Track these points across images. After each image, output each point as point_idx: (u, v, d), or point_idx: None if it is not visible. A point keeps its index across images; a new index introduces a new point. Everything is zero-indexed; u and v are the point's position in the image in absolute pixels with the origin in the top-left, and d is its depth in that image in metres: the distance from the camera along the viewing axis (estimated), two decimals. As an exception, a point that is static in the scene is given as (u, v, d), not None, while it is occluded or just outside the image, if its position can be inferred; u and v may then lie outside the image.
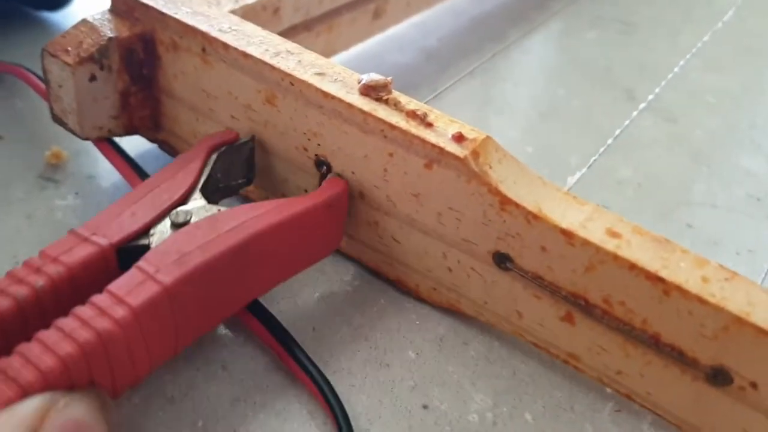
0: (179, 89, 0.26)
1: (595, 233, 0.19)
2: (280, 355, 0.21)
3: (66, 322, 0.17)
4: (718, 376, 0.18)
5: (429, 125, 0.21)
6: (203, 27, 0.24)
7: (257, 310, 0.22)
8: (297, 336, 0.21)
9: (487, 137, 0.21)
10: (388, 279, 0.24)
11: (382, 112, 0.21)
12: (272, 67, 0.23)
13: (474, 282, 0.22)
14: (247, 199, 0.27)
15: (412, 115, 0.21)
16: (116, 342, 0.17)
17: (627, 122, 0.36)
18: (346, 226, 0.24)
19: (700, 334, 0.18)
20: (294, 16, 0.31)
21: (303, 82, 0.22)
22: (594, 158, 0.32)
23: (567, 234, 0.19)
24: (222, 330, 0.23)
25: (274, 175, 0.25)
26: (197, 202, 0.21)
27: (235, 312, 0.21)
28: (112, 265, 0.19)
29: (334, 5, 0.33)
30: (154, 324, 0.18)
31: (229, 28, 0.24)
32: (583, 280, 0.19)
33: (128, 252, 0.20)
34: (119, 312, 0.17)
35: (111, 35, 0.25)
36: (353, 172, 0.23)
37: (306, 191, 0.24)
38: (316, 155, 0.23)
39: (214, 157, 0.23)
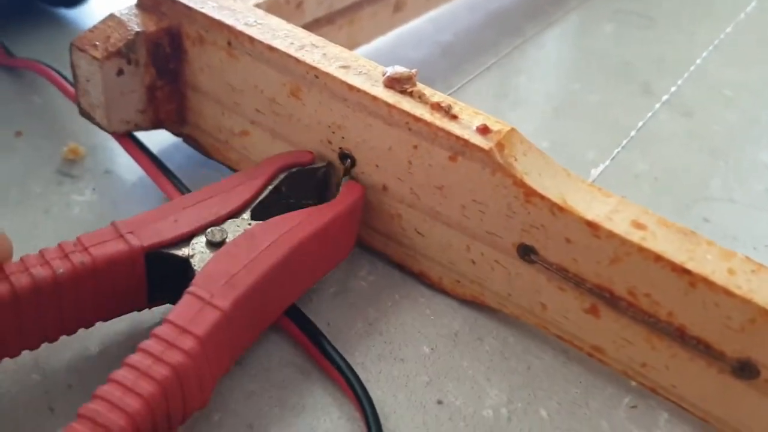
0: (205, 83, 0.26)
1: (620, 225, 0.19)
2: (306, 347, 0.21)
3: (137, 359, 0.17)
4: (745, 369, 0.18)
5: (453, 117, 0.21)
6: (229, 21, 0.24)
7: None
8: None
9: (512, 129, 0.21)
10: (411, 272, 0.25)
11: (406, 104, 0.21)
12: (297, 60, 0.23)
13: (498, 274, 0.22)
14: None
15: (436, 107, 0.21)
16: (188, 373, 0.17)
17: (644, 117, 0.36)
18: (369, 219, 0.24)
19: (726, 326, 0.18)
20: (317, 10, 0.31)
21: (327, 74, 0.22)
22: (613, 154, 0.32)
23: (592, 226, 0.19)
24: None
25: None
26: (234, 220, 0.21)
27: (275, 320, 0.21)
28: (138, 266, 0.20)
29: (355, -1, 0.33)
30: (216, 348, 0.18)
31: (255, 21, 0.25)
32: (608, 272, 0.20)
33: (160, 258, 0.20)
34: (187, 343, 0.17)
35: (138, 30, 0.25)
36: (377, 165, 0.23)
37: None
38: (340, 148, 0.24)
39: (282, 176, 0.23)
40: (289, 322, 0.22)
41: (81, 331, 0.21)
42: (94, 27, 0.26)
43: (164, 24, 0.26)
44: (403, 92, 0.22)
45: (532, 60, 0.40)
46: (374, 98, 0.22)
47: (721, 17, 0.46)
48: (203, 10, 0.25)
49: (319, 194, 0.24)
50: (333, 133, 0.23)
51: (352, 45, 0.34)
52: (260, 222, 0.21)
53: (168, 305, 0.21)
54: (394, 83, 0.22)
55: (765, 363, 0.18)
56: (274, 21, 0.25)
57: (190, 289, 0.18)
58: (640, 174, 0.31)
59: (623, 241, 0.19)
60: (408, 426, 0.20)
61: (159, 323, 0.18)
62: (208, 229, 0.20)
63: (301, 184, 0.23)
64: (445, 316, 0.24)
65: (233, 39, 0.24)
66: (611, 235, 0.19)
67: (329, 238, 0.22)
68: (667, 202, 0.30)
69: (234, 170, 0.28)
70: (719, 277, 0.18)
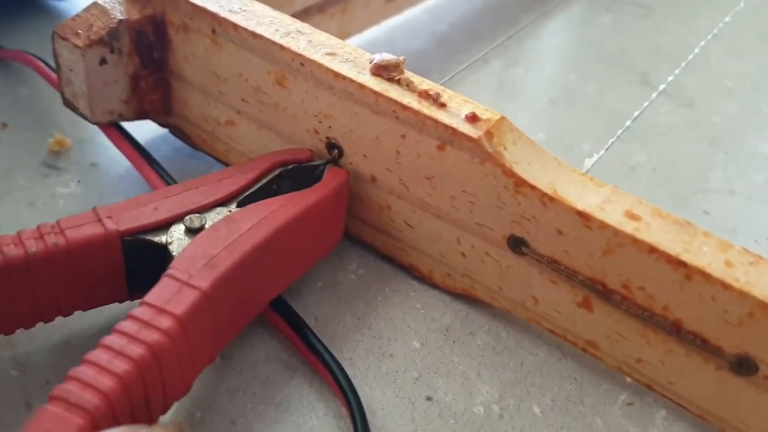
0: (189, 72, 0.26)
1: (612, 215, 0.18)
2: (292, 341, 0.21)
3: (112, 339, 0.16)
4: (743, 365, 0.18)
5: (442, 105, 0.21)
6: (213, 8, 0.24)
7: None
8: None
9: (502, 117, 0.20)
10: (401, 265, 0.24)
11: (393, 92, 0.21)
12: (282, 47, 0.22)
13: (488, 267, 0.22)
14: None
15: (424, 95, 0.21)
16: (167, 353, 0.16)
17: (642, 107, 0.35)
18: (358, 210, 0.24)
19: (723, 320, 0.18)
20: (307, -1, 0.30)
21: (313, 62, 0.22)
22: (608, 144, 0.31)
23: (583, 216, 0.19)
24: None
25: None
26: (217, 209, 0.20)
27: (261, 310, 0.21)
28: (115, 251, 0.19)
29: (346, -13, 0.32)
30: (197, 331, 0.17)
31: (240, 8, 0.24)
32: (601, 264, 0.19)
33: (137, 243, 0.19)
34: (165, 322, 0.17)
35: (121, 18, 0.24)
36: (365, 155, 0.22)
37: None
38: (327, 138, 0.23)
39: (276, 172, 0.22)
40: (275, 316, 0.21)
41: (60, 326, 0.21)
42: (77, 15, 0.25)
43: (148, 12, 0.25)
44: (390, 80, 0.21)
45: (529, 50, 0.39)
46: (361, 86, 0.21)
47: (720, 6, 0.45)
48: (187, -3, 0.24)
49: None
50: (320, 122, 0.23)
51: (343, 35, 0.33)
52: (242, 208, 0.20)
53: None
54: (382, 70, 0.22)
55: (763, 359, 0.18)
56: (259, 7, 0.24)
57: (168, 271, 0.18)
58: (638, 165, 0.31)
59: (616, 232, 0.18)
60: (396, 423, 0.20)
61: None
62: (187, 216, 0.20)
63: (299, 181, 0.23)
64: (436, 310, 0.23)
65: (217, 26, 0.24)
66: (603, 225, 0.18)
67: (313, 223, 0.21)
68: (665, 195, 0.29)
69: (222, 162, 0.27)
70: (716, 269, 0.17)
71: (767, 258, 0.18)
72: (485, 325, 0.23)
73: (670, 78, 0.38)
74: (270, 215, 0.20)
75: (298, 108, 0.23)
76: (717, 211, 0.29)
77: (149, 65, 0.26)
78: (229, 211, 0.20)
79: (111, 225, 0.19)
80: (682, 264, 0.17)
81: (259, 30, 0.23)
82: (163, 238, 0.19)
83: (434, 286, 0.23)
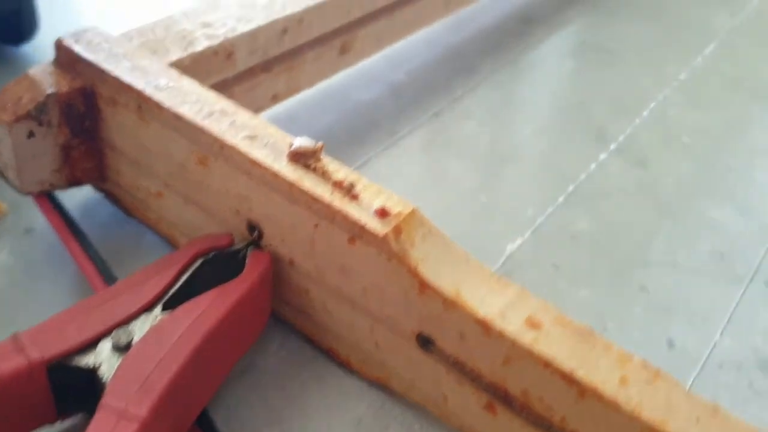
0: (120, 142, 0.26)
1: (512, 323, 0.18)
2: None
3: None
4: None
5: (354, 197, 0.20)
6: (139, 85, 0.24)
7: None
8: (211, 414, 0.21)
9: (413, 210, 0.20)
10: (321, 348, 0.24)
11: (307, 182, 0.21)
12: (203, 131, 0.22)
13: (401, 360, 0.21)
14: (176, 248, 0.26)
15: (338, 185, 0.21)
16: None
17: (593, 167, 0.35)
18: (280, 291, 0.24)
19: (617, 436, 0.17)
20: (249, 59, 0.30)
21: (231, 147, 0.22)
22: (551, 209, 0.31)
23: (483, 324, 0.18)
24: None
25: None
26: (144, 316, 0.20)
27: (198, 412, 0.20)
28: (41, 381, 0.18)
29: (295, 44, 0.32)
30: None
31: (166, 85, 0.24)
32: (502, 371, 0.19)
33: (63, 370, 0.19)
34: None
35: (50, 91, 0.24)
36: (283, 240, 0.22)
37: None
38: (248, 219, 0.23)
39: (198, 263, 0.22)
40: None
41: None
42: (7, 87, 0.25)
43: (78, 84, 0.25)
44: (307, 167, 0.21)
45: (484, 103, 0.38)
46: (275, 175, 0.21)
47: (690, 50, 0.44)
48: (114, 73, 0.24)
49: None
50: (240, 203, 0.23)
51: (292, 90, 0.33)
52: (167, 313, 0.20)
53: (81, 414, 0.20)
54: (299, 158, 0.21)
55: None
56: (186, 84, 0.24)
57: (103, 401, 0.17)
58: (579, 234, 0.30)
59: (513, 343, 0.18)
60: None
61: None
62: (114, 332, 0.19)
63: (222, 268, 0.22)
64: (351, 399, 0.23)
65: (143, 103, 0.24)
66: (502, 335, 0.18)
67: (242, 317, 0.21)
68: (603, 266, 0.29)
69: (154, 230, 0.27)
70: (609, 387, 0.17)
71: (665, 373, 0.18)
72: (399, 417, 0.22)
73: (628, 130, 0.37)
74: (199, 318, 0.20)
75: (220, 188, 0.23)
76: (655, 288, 0.28)
77: (80, 134, 0.26)
78: (156, 317, 0.20)
79: (35, 354, 0.18)
80: (575, 382, 0.17)
81: (182, 110, 0.23)
82: (90, 360, 0.19)
83: (352, 372, 0.23)
